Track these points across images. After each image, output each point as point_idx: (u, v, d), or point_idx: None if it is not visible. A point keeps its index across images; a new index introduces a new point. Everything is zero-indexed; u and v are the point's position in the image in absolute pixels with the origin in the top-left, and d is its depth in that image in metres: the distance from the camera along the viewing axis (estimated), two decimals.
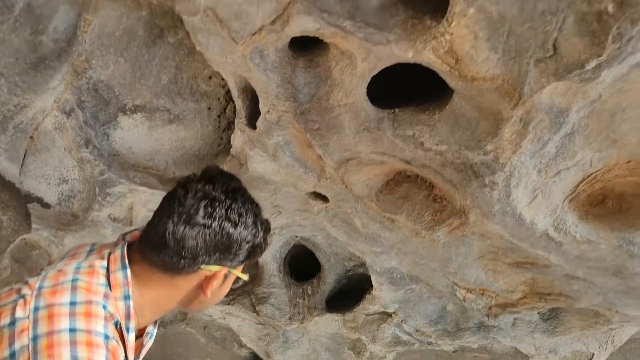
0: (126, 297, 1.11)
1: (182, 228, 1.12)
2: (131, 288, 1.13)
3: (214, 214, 1.15)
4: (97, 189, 2.38)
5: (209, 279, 1.20)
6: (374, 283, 2.54)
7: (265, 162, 2.11)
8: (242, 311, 2.91)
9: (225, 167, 2.30)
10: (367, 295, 2.71)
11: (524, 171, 1.62)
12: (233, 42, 1.70)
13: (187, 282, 1.20)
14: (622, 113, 1.57)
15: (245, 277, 1.29)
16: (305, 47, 1.84)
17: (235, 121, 2.11)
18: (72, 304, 1.03)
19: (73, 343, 0.98)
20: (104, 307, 1.06)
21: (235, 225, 1.17)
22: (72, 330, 0.99)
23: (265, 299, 2.82)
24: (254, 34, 1.66)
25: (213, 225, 1.15)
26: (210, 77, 2.42)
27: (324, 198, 2.16)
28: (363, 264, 2.81)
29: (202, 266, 1.16)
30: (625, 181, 1.77)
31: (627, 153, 1.67)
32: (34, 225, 2.32)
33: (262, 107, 1.91)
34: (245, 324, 3.05)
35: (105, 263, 1.14)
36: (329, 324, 2.92)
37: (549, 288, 2.12)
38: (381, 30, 1.61)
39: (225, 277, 1.25)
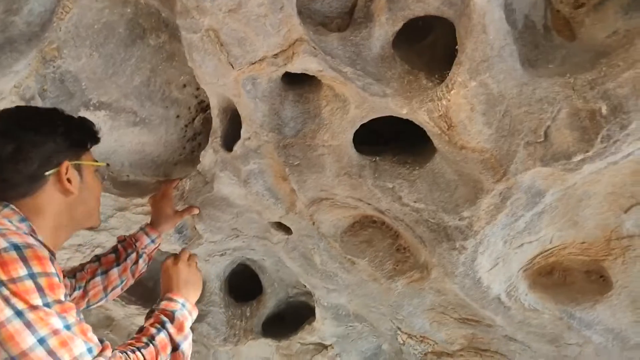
0: (22, 220, 1.28)
1: (6, 165, 1.29)
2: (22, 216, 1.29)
3: (10, 134, 1.30)
4: None
5: (60, 179, 1.36)
6: (317, 316, 2.54)
7: (233, 185, 2.06)
8: None
9: (189, 183, 2.22)
10: (307, 326, 2.69)
11: (492, 240, 1.68)
12: (229, 66, 1.66)
13: (49, 195, 1.36)
14: (588, 199, 1.68)
15: (100, 164, 1.57)
16: (297, 80, 1.82)
17: (209, 139, 2.05)
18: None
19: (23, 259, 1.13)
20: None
21: (33, 128, 1.33)
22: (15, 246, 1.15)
23: (203, 317, 2.74)
24: (254, 63, 1.63)
25: (17, 143, 1.29)
26: (184, 86, 2.34)
27: (287, 230, 2.14)
28: (306, 293, 2.81)
29: (46, 174, 1.33)
30: (576, 258, 1.88)
31: (584, 235, 1.78)
32: None
33: (244, 132, 1.87)
34: None
35: None
36: (262, 348, 2.88)
37: (487, 345, 2.21)
38: (379, 81, 1.64)
39: (79, 171, 1.44)
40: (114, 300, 2.80)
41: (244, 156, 1.92)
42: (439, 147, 1.67)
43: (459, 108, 1.52)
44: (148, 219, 2.38)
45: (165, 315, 1.43)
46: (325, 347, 2.76)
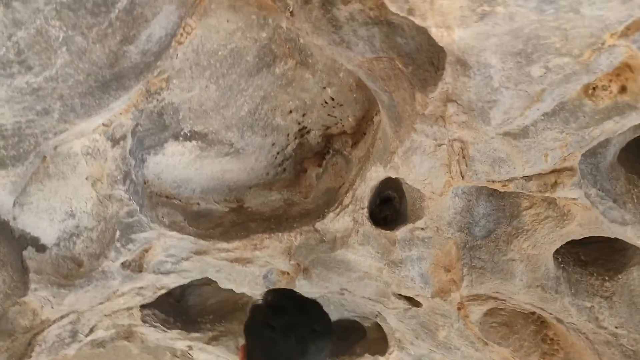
0: None
1: None
2: None
3: None
4: (117, 233, 1.74)
5: None
6: (394, 356, 2.40)
7: (368, 258, 1.76)
8: (223, 351, 2.53)
9: (299, 238, 1.87)
10: (369, 356, 2.56)
11: None
12: (457, 176, 1.31)
13: None
14: None
15: None
16: None
17: (349, 206, 1.69)
18: None
19: None
20: None
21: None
22: None
23: None
24: (496, 181, 1.29)
25: None
26: (290, 112, 1.88)
27: (414, 302, 1.91)
28: (362, 317, 2.64)
29: None
30: None
31: None
32: (32, 285, 1.61)
33: (421, 223, 1.55)
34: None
35: None
36: None
37: None
38: (616, 202, 1.39)
39: None
40: (152, 325, 2.44)
41: (407, 242, 1.62)
42: None
43: None
44: (232, 266, 2.02)
45: None
46: None
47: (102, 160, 1.58)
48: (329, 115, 1.91)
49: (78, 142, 1.53)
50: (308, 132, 2.00)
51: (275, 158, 2.04)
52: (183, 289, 2.77)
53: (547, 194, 1.28)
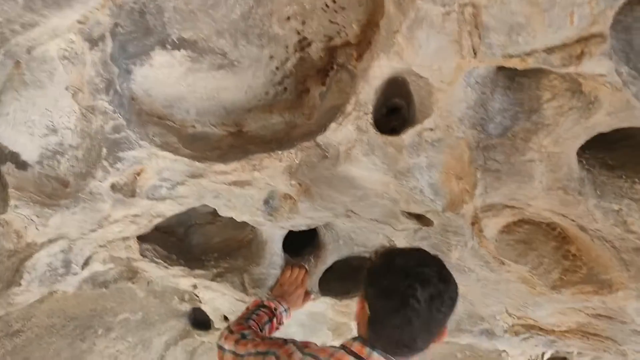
0: None
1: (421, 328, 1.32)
2: None
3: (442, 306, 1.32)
4: (104, 150, 1.63)
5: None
6: None
7: (373, 171, 1.63)
8: (227, 288, 2.45)
9: (300, 154, 1.75)
10: None
11: None
12: (469, 52, 1.16)
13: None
14: None
15: None
16: None
17: (352, 113, 1.56)
18: None
19: None
20: None
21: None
22: None
23: (263, 281, 2.39)
24: (512, 56, 1.14)
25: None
26: (288, 18, 1.73)
27: (424, 221, 1.78)
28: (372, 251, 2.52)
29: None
30: None
31: None
32: (12, 202, 1.51)
33: (429, 123, 1.41)
34: (221, 298, 2.59)
35: None
36: (317, 305, 2.64)
37: (600, 331, 2.11)
38: None
39: None
40: (153, 261, 2.36)
41: (414, 147, 1.48)
42: None
43: None
44: (231, 190, 1.91)
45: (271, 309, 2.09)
46: None
47: (80, 65, 1.45)
48: (330, 22, 1.75)
49: (53, 44, 1.40)
50: (309, 44, 1.85)
51: (275, 74, 1.90)
52: (186, 228, 2.68)
53: (571, 68, 1.13)
